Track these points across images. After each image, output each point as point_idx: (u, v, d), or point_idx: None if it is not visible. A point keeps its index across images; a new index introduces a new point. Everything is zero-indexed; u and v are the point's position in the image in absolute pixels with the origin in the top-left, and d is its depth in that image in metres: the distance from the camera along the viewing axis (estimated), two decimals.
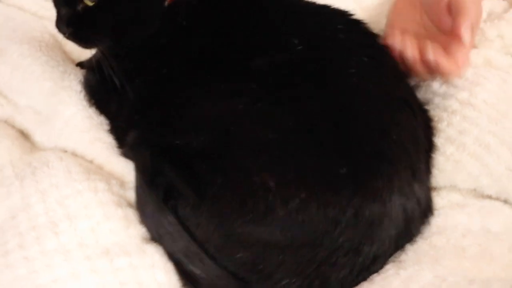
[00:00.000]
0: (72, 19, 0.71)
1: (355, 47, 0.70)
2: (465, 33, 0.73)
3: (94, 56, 0.79)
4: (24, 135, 0.87)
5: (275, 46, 0.68)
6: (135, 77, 0.73)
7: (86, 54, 0.91)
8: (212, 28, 0.72)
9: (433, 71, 0.74)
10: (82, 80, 0.84)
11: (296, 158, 0.60)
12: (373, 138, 0.62)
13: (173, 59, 0.72)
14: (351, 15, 0.75)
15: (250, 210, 0.59)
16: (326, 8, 0.75)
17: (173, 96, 0.70)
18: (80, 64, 0.90)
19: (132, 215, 0.68)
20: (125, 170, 0.74)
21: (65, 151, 0.79)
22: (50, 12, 0.96)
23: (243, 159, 0.60)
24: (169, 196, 0.64)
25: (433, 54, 0.73)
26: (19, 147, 0.81)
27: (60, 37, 0.92)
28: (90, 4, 0.70)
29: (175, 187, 0.63)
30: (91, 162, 0.77)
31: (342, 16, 0.74)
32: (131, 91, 0.73)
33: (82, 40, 0.74)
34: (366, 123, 0.63)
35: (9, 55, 0.90)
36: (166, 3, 0.74)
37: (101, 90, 0.80)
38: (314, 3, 0.77)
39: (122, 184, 0.73)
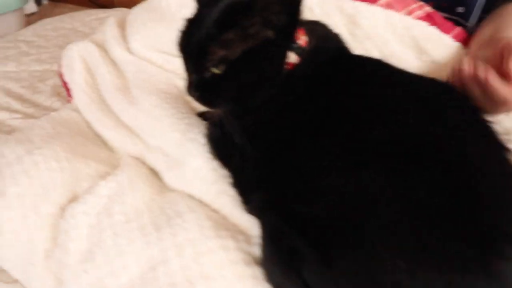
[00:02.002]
0: (200, 85, 0.60)
1: (467, 124, 0.55)
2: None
3: (217, 113, 0.68)
4: (154, 172, 0.76)
5: (393, 120, 0.53)
6: (255, 137, 0.61)
7: None
8: (328, 98, 0.58)
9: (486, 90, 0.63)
10: (206, 133, 0.72)
11: (425, 237, 0.46)
12: (497, 219, 0.47)
13: (290, 124, 0.59)
14: (454, 88, 0.60)
15: (378, 284, 0.46)
16: (430, 80, 0.60)
17: (295, 161, 0.56)
18: (201, 115, 0.78)
19: (258, 273, 0.56)
20: (249, 223, 0.61)
21: (192, 197, 0.68)
22: (175, 66, 0.87)
23: (373, 235, 0.47)
24: (294, 258, 0.51)
25: (484, 72, 0.62)
26: (149, 186, 0.71)
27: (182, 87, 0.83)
28: (217, 72, 0.58)
29: (300, 251, 0.51)
30: (217, 212, 0.65)
31: (447, 90, 0.59)
32: (252, 149, 0.61)
33: (207, 103, 0.62)
34: (490, 203, 0.48)
35: (141, 103, 0.79)
36: (284, 71, 0.60)
37: (223, 145, 0.68)
38: (418, 76, 0.62)
39: (248, 239, 0.60)
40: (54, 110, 1.04)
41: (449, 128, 0.53)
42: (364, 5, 0.77)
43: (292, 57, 0.60)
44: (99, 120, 0.85)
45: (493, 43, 0.70)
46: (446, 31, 0.77)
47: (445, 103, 0.56)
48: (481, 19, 0.84)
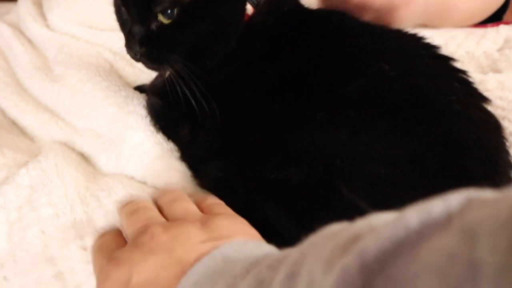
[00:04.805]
0: (146, 38, 0.51)
1: (444, 73, 0.50)
2: None
3: (160, 79, 0.59)
4: (84, 158, 0.64)
5: (366, 72, 0.48)
6: (212, 101, 0.52)
7: (141, 79, 0.71)
8: (292, 52, 0.52)
9: None
10: (146, 105, 0.62)
11: (410, 195, 0.39)
12: (487, 171, 0.43)
13: (252, 83, 0.52)
14: (424, 38, 0.55)
15: None
16: (400, 31, 0.56)
17: (259, 124, 0.49)
18: (138, 88, 0.68)
19: None
20: None
21: (132, 178, 0.58)
22: (102, 40, 0.76)
23: (355, 195, 0.41)
24: (264, 233, 0.44)
25: None
26: (83, 174, 0.59)
27: (115, 62, 0.72)
28: (166, 22, 0.49)
29: (270, 224, 0.44)
30: None
31: (418, 40, 0.55)
32: (209, 115, 0.52)
33: (155, 60, 0.53)
34: (477, 153, 0.43)
35: (67, 80, 0.67)
36: (243, 22, 0.53)
37: (169, 115, 0.58)
38: (386, 27, 0.57)
39: None
40: None
41: (427, 77, 0.48)
42: None
43: (247, 8, 0.53)
44: (16, 106, 0.72)
45: None
46: None
47: (417, 52, 0.52)
48: None
